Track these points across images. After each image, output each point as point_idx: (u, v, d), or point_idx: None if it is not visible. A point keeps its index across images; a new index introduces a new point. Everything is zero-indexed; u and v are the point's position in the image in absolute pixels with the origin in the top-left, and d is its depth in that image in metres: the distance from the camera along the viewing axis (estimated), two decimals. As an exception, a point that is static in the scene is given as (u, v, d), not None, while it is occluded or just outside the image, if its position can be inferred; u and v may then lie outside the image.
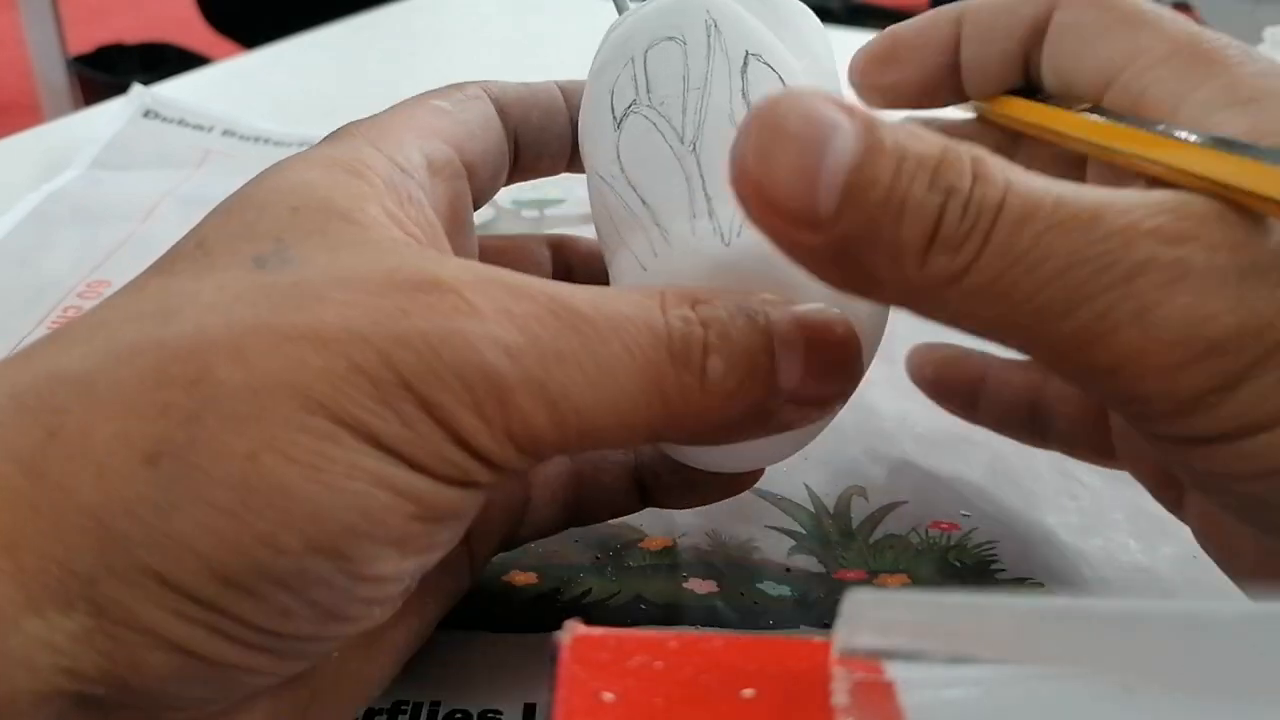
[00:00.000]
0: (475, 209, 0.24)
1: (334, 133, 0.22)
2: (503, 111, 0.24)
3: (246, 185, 0.20)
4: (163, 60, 1.63)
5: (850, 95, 0.23)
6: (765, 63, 0.22)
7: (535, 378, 0.17)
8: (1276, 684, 0.12)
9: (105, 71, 1.58)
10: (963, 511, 0.29)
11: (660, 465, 0.25)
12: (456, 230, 0.23)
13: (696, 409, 0.19)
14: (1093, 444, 0.26)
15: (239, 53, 0.71)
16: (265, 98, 0.59)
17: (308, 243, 0.18)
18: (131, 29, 1.74)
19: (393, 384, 0.17)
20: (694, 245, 0.21)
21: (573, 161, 0.26)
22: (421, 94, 0.24)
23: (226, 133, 0.52)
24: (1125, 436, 0.25)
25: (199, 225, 0.19)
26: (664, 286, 0.19)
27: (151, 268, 0.19)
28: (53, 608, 0.15)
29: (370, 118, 0.22)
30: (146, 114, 0.53)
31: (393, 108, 0.23)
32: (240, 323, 0.17)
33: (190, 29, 1.62)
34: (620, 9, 0.25)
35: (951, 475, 0.31)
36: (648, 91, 0.22)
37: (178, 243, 0.19)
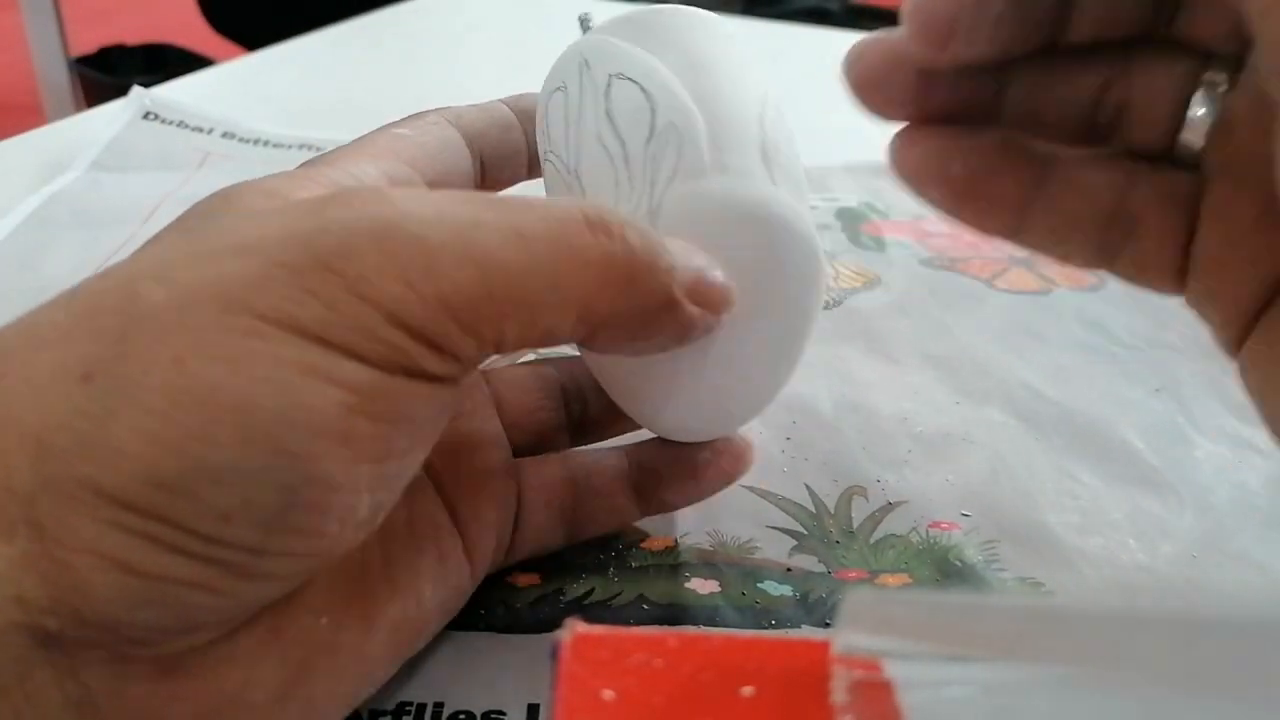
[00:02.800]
0: None
1: (301, 163, 0.23)
2: (464, 133, 0.25)
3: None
4: (164, 61, 1.63)
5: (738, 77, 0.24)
6: (627, 78, 0.23)
7: (457, 239, 0.17)
8: (1277, 684, 0.12)
9: (107, 72, 1.58)
10: (963, 511, 0.29)
11: (657, 459, 0.26)
12: None
13: (619, 274, 0.19)
14: (1168, 264, 0.22)
15: (240, 54, 0.71)
16: (265, 100, 0.59)
17: (235, 209, 0.20)
18: (133, 30, 1.74)
19: (312, 268, 0.17)
20: None
21: (532, 169, 0.27)
22: (383, 125, 0.25)
23: (226, 135, 0.52)
24: (1210, 257, 0.22)
25: None
26: None
27: None
28: None
29: (334, 149, 0.23)
30: (146, 116, 0.53)
31: (356, 139, 0.24)
32: (167, 256, 0.18)
33: (192, 30, 1.62)
34: (585, 29, 0.27)
35: (952, 475, 0.31)
36: (548, 138, 0.25)
37: None
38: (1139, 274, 0.23)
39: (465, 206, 0.18)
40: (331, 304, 0.17)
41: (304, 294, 0.17)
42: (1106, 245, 0.22)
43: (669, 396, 0.24)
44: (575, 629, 0.17)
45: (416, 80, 0.64)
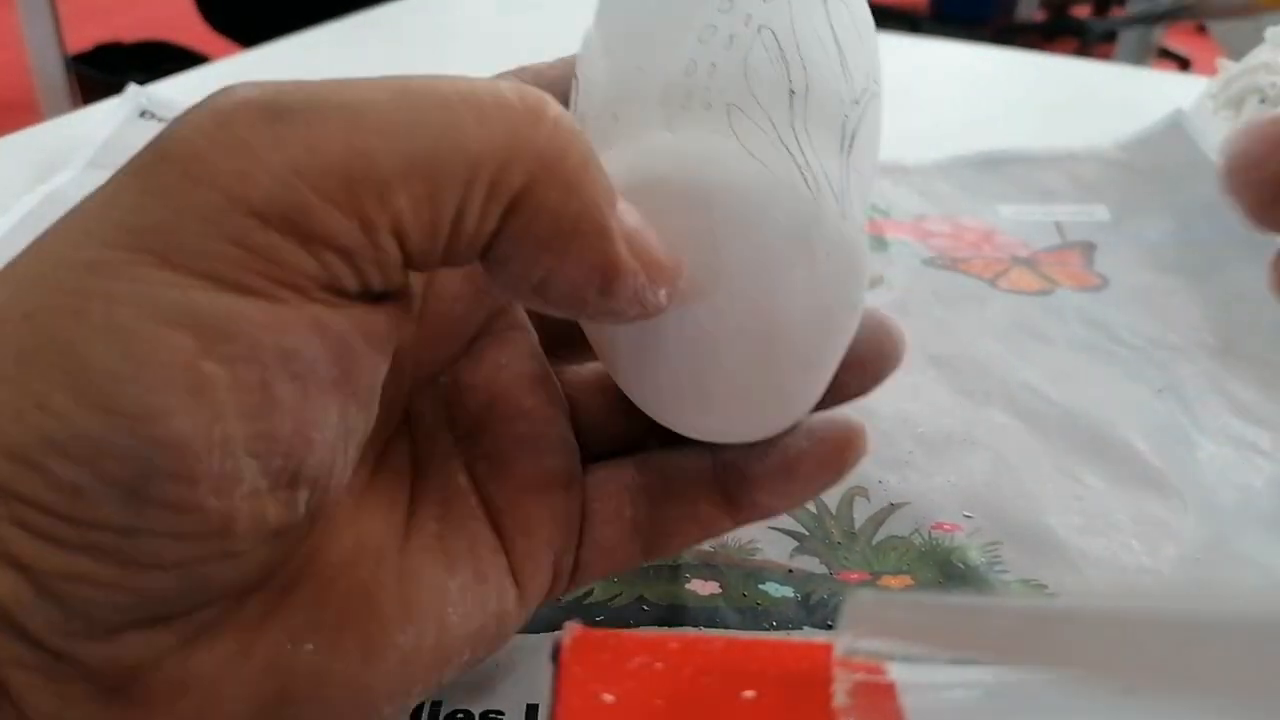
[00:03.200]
0: None
1: None
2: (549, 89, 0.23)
3: None
4: (161, 59, 1.63)
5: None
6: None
7: (320, 102, 0.15)
8: (1277, 685, 0.12)
9: (104, 70, 1.57)
10: (965, 513, 0.29)
11: (745, 455, 0.22)
12: None
13: (545, 156, 0.16)
14: None
15: (237, 51, 0.71)
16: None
17: None
18: (130, 27, 1.74)
19: (152, 165, 0.15)
20: None
21: None
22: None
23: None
24: None
25: None
26: None
27: None
28: None
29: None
30: (142, 114, 0.53)
31: None
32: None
33: (189, 28, 1.61)
34: None
35: (954, 476, 0.31)
36: None
37: None
38: None
39: (353, 85, 0.15)
40: (169, 200, 0.14)
41: (143, 196, 0.14)
42: None
43: (670, 390, 0.21)
44: (575, 631, 0.17)
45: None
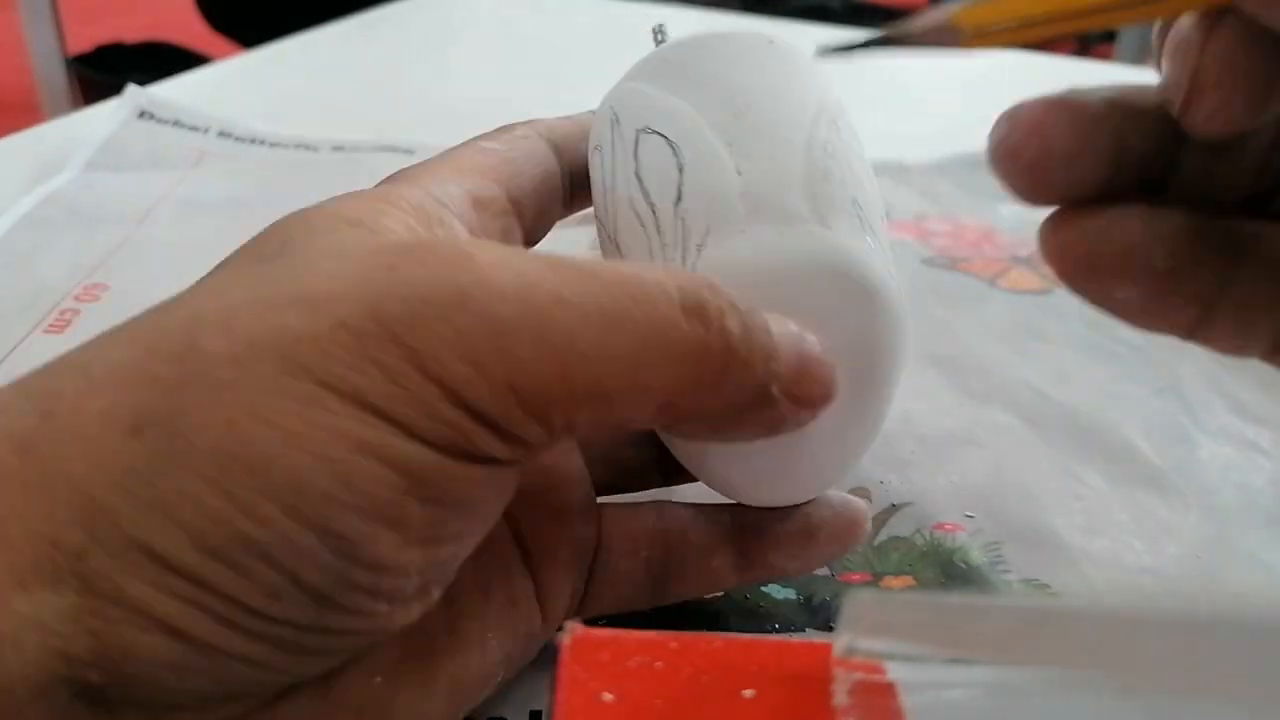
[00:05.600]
0: (530, 246, 0.24)
1: (385, 178, 0.22)
2: (555, 146, 0.24)
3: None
4: (162, 60, 1.63)
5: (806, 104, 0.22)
6: (654, 131, 0.22)
7: (535, 320, 0.16)
8: (1276, 685, 0.12)
9: (104, 71, 1.58)
10: (967, 513, 0.29)
11: (765, 518, 0.23)
12: None
13: (712, 370, 0.18)
14: None
15: (238, 52, 0.71)
16: (262, 99, 0.58)
17: (313, 239, 0.18)
18: (131, 29, 1.74)
19: (378, 337, 0.16)
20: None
21: None
22: (472, 138, 0.24)
23: (222, 134, 0.52)
24: None
25: None
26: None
27: None
28: (41, 585, 0.15)
29: (419, 163, 0.22)
30: (141, 115, 0.53)
31: (442, 152, 0.23)
32: (231, 300, 0.17)
33: (190, 29, 1.61)
34: (658, 42, 0.25)
35: (956, 477, 0.31)
36: (593, 201, 0.23)
37: None
38: None
39: (549, 276, 0.17)
40: (394, 377, 0.16)
41: (366, 363, 0.16)
42: None
43: (736, 464, 0.22)
44: (575, 631, 0.17)
45: (414, 78, 0.64)
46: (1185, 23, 0.17)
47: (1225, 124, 0.17)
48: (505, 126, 0.24)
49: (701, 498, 0.24)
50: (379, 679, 0.19)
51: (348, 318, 0.16)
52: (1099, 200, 0.18)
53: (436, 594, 0.18)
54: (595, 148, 0.23)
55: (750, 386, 0.18)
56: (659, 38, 0.25)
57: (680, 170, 0.21)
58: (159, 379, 0.16)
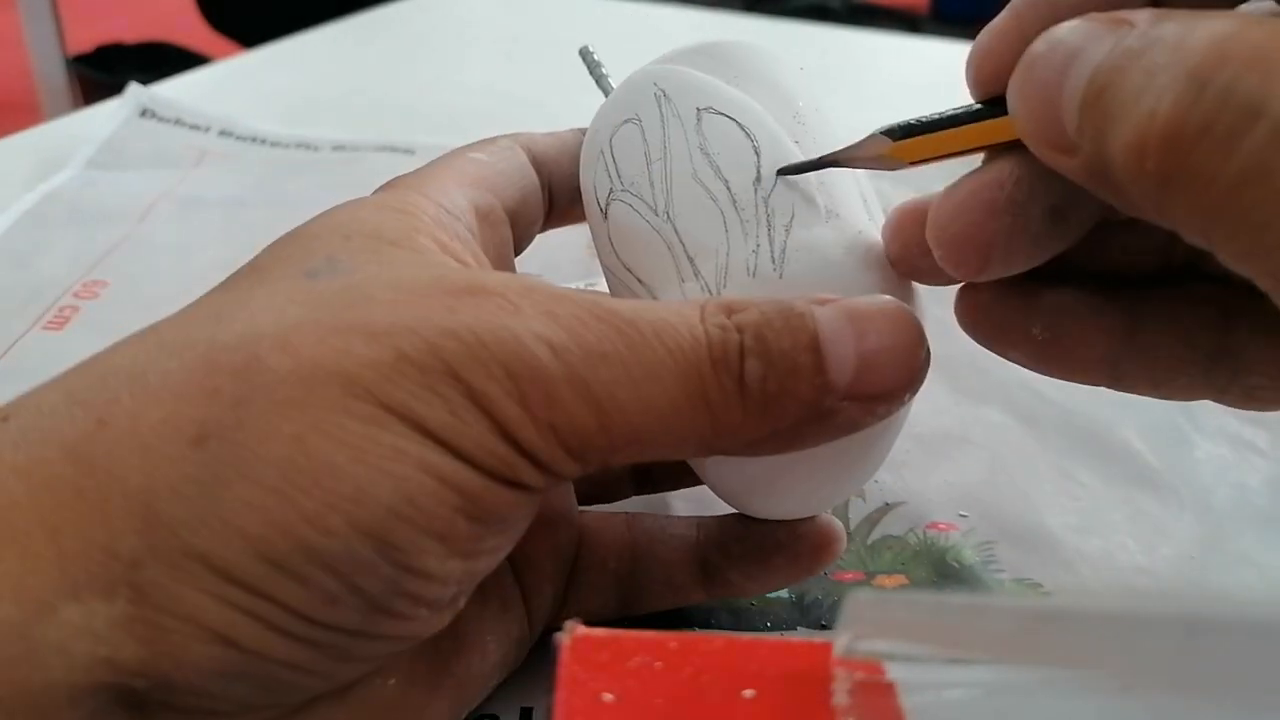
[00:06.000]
0: (517, 254, 0.24)
1: (383, 185, 0.22)
2: (535, 161, 0.24)
3: (299, 225, 0.20)
4: (162, 60, 1.63)
5: (832, 133, 0.23)
6: (719, 112, 0.22)
7: (579, 374, 0.17)
8: (1274, 685, 0.12)
9: (104, 71, 1.57)
10: (961, 512, 0.29)
11: (728, 536, 0.24)
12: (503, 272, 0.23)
13: (739, 415, 0.18)
14: None
15: (239, 52, 0.71)
16: (263, 98, 0.58)
17: (359, 258, 0.19)
18: (131, 29, 1.74)
19: (440, 372, 0.17)
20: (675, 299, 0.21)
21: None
22: (457, 148, 0.24)
23: (223, 133, 0.52)
24: None
25: (254, 258, 0.20)
26: (701, 300, 0.19)
27: (207, 292, 0.19)
28: (93, 593, 0.15)
29: (414, 171, 0.23)
30: (143, 114, 0.53)
31: (433, 162, 0.23)
32: (290, 318, 0.17)
33: (189, 29, 1.61)
34: (605, 92, 0.25)
35: (950, 476, 0.31)
36: (619, 176, 0.23)
37: (233, 273, 0.20)
38: (1254, 405, 0.20)
39: (592, 331, 0.18)
40: (453, 409, 0.17)
41: (428, 393, 0.17)
42: (1212, 383, 0.20)
43: (756, 476, 0.22)
44: (575, 631, 0.17)
45: (414, 78, 0.64)
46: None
47: (961, 275, 0.19)
48: (488, 139, 0.25)
49: (671, 509, 0.25)
50: (393, 681, 0.19)
51: (410, 351, 0.17)
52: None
53: (463, 602, 0.19)
54: (628, 121, 0.23)
55: (790, 413, 0.18)
56: (590, 59, 0.26)
57: (757, 154, 0.21)
58: (221, 392, 0.16)
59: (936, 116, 0.19)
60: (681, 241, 0.21)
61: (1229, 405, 0.21)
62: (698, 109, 0.22)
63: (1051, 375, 0.21)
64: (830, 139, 0.22)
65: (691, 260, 0.21)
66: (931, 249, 0.19)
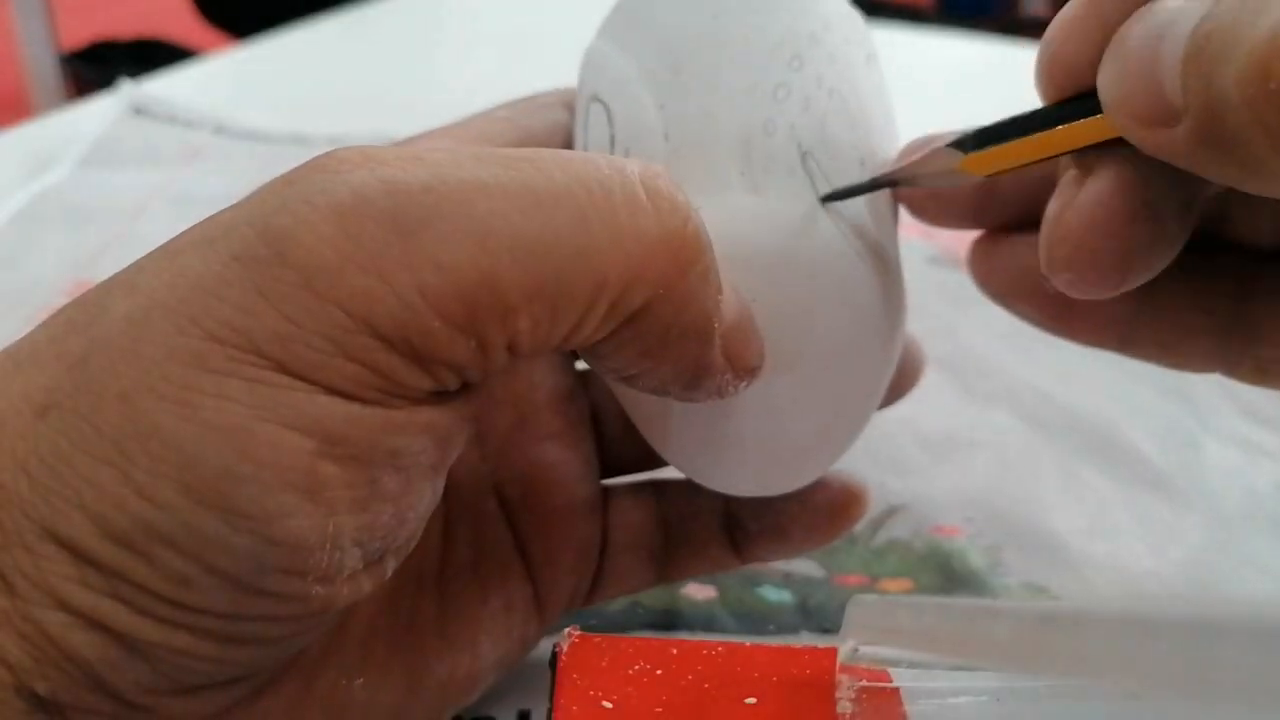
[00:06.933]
0: None
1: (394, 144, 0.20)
2: (541, 120, 0.22)
3: None
4: (155, 56, 1.62)
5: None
6: (599, 99, 0.20)
7: (449, 209, 0.14)
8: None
9: (97, 68, 1.57)
10: (966, 515, 0.29)
11: (747, 514, 0.22)
12: None
13: (677, 264, 0.16)
14: None
15: (231, 45, 0.70)
16: (256, 94, 0.58)
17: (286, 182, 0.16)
18: (123, 24, 1.73)
19: (268, 262, 0.14)
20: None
21: None
22: (492, 107, 0.22)
23: (217, 130, 0.52)
24: None
25: None
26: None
27: None
28: None
29: (422, 134, 0.21)
30: (135, 111, 0.52)
31: (449, 125, 0.21)
32: (156, 250, 0.15)
33: (182, 24, 1.61)
34: None
35: (955, 478, 0.30)
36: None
37: None
38: (1266, 380, 0.20)
39: (467, 168, 0.15)
40: (287, 309, 0.14)
41: (257, 298, 0.14)
42: (1225, 354, 0.20)
43: (703, 447, 0.20)
44: (574, 636, 0.17)
45: (410, 72, 0.64)
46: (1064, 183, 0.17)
47: (1091, 295, 0.17)
48: (530, 95, 0.22)
49: None
50: (360, 680, 0.18)
51: (239, 250, 0.14)
52: (1021, 224, 0.19)
53: (392, 564, 0.16)
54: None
55: (701, 314, 0.16)
56: None
57: (612, 141, 0.20)
58: (68, 353, 0.15)
59: (1009, 121, 0.18)
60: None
61: (1239, 379, 0.20)
62: (588, 100, 0.21)
63: (1061, 335, 0.20)
64: (707, 82, 0.19)
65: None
66: (1055, 271, 0.17)
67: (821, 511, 0.22)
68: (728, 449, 0.20)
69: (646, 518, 0.22)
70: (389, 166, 0.15)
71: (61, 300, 0.37)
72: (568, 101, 0.22)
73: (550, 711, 0.16)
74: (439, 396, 0.15)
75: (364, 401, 0.14)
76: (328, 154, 0.15)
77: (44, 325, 0.16)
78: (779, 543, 0.22)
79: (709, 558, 0.22)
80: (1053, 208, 0.17)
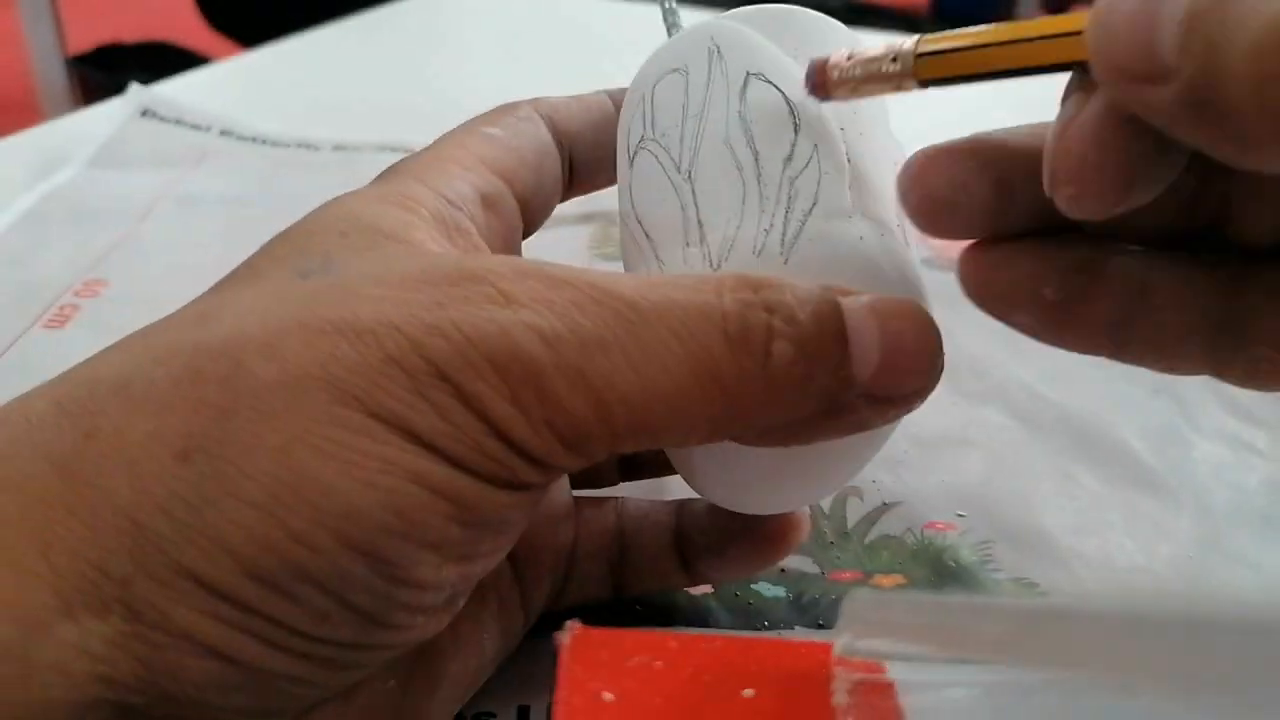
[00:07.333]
0: (528, 235, 0.24)
1: (384, 171, 0.22)
2: (556, 130, 0.24)
3: (297, 221, 0.20)
4: (163, 60, 1.63)
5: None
6: (767, 80, 0.21)
7: (573, 364, 0.17)
8: (1273, 684, 0.12)
9: (105, 71, 1.57)
10: (959, 512, 0.29)
11: (694, 528, 0.24)
12: None
13: (760, 398, 0.18)
14: None
15: (239, 52, 0.71)
16: (264, 98, 0.58)
17: (354, 254, 0.19)
18: (131, 28, 1.73)
19: (427, 374, 0.16)
20: (684, 274, 0.20)
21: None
22: (473, 120, 0.23)
23: (224, 133, 0.52)
24: None
25: (249, 257, 0.19)
26: (714, 275, 0.18)
27: (202, 294, 0.19)
28: (87, 612, 0.15)
29: (420, 153, 0.22)
30: (144, 113, 0.53)
31: (442, 138, 0.22)
32: (275, 321, 0.17)
33: (190, 29, 1.61)
34: (670, 31, 0.24)
35: (948, 476, 0.31)
36: (652, 125, 0.22)
37: (229, 273, 0.19)
38: (1256, 382, 0.20)
39: (590, 317, 0.17)
40: (442, 412, 0.16)
41: (416, 397, 0.16)
42: (1215, 356, 0.20)
43: (727, 470, 0.21)
44: (575, 630, 0.17)
45: (416, 78, 0.64)
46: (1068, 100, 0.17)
47: (1091, 212, 0.17)
48: (507, 106, 0.24)
49: (668, 492, 0.25)
50: (393, 682, 0.19)
51: (397, 353, 0.16)
52: (1017, 233, 0.20)
53: (461, 603, 0.19)
54: (674, 71, 0.22)
55: (810, 402, 0.18)
56: (669, 17, 0.25)
57: (795, 131, 0.20)
58: (206, 403, 0.16)
59: (974, 30, 0.18)
60: (696, 204, 0.21)
61: (1230, 382, 0.20)
62: (748, 72, 0.21)
63: (1054, 343, 0.20)
64: (882, 134, 0.21)
65: (701, 225, 0.20)
66: (1057, 188, 0.17)
67: (761, 536, 0.23)
68: (765, 472, 0.21)
69: (606, 529, 0.24)
70: (523, 313, 0.17)
71: (71, 299, 0.38)
72: (544, 112, 0.23)
73: (551, 704, 0.16)
74: (539, 485, 0.18)
75: (494, 485, 0.17)
76: (463, 279, 0.17)
77: (147, 361, 0.17)
78: (720, 560, 0.24)
79: (659, 572, 0.24)
80: (1057, 125, 0.17)
